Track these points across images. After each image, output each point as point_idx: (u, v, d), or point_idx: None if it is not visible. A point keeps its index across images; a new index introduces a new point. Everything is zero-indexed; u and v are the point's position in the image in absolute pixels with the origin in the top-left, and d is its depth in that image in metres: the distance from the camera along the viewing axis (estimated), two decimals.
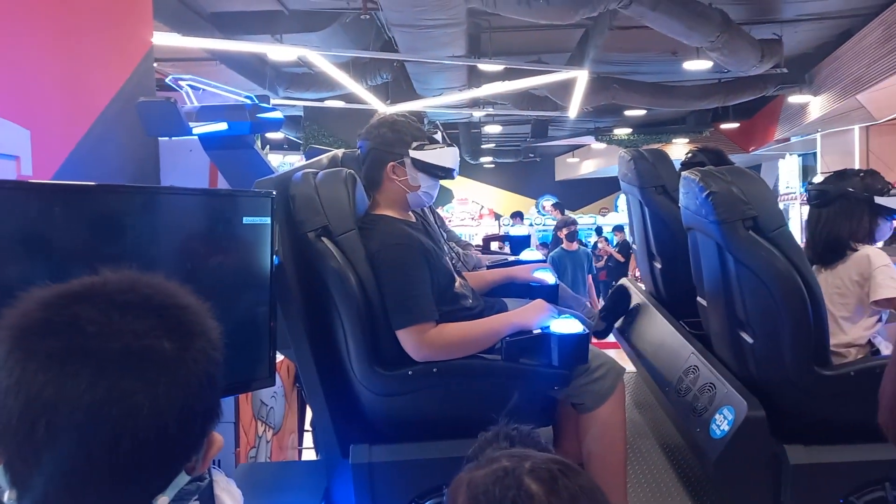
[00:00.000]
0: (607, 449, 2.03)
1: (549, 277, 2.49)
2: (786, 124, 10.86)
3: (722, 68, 7.87)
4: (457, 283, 2.16)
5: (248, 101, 2.16)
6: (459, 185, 19.23)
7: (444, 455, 1.92)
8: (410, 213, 2.21)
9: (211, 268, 1.48)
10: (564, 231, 7.79)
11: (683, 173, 2.38)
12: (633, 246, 3.38)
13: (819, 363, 2.06)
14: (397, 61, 7.66)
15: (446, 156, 2.11)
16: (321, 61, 6.37)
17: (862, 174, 2.50)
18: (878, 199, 2.42)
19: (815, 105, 9.54)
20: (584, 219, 17.47)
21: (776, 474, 2.00)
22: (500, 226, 18.42)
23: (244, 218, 1.55)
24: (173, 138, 3.29)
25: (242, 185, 1.99)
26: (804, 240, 2.62)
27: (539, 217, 17.24)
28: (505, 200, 19.39)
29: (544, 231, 15.04)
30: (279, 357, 4.19)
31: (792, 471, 1.96)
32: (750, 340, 2.12)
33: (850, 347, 2.34)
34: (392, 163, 2.07)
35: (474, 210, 19.44)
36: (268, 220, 1.57)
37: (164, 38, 4.90)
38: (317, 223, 1.93)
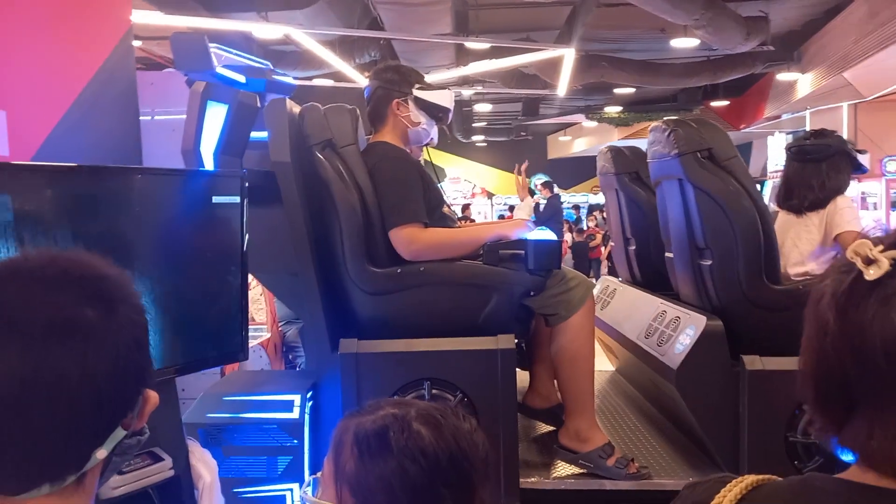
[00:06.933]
0: (578, 353, 2.19)
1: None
2: (775, 102, 10.87)
3: (710, 46, 7.87)
4: (445, 209, 2.37)
5: (266, 65, 2.42)
6: (451, 164, 19.18)
7: (427, 349, 2.10)
8: (409, 149, 2.41)
9: (181, 246, 1.51)
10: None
11: (653, 123, 2.62)
12: (611, 242, 3.61)
13: (771, 280, 2.28)
14: (384, 39, 7.62)
15: (444, 97, 2.38)
16: (307, 40, 6.34)
17: (834, 133, 2.77)
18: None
19: (804, 82, 9.55)
20: (577, 197, 17.47)
21: (735, 383, 2.15)
22: (492, 205, 18.41)
23: (213, 197, 1.59)
24: (156, 118, 3.32)
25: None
26: (781, 192, 2.79)
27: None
28: (497, 179, 19.35)
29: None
30: (265, 336, 4.26)
31: (748, 377, 2.11)
32: (708, 262, 2.32)
33: (807, 276, 2.58)
34: (397, 100, 2.33)
35: (466, 189, 19.41)
36: (237, 199, 1.61)
37: (146, 17, 4.88)
38: (322, 137, 2.17)
